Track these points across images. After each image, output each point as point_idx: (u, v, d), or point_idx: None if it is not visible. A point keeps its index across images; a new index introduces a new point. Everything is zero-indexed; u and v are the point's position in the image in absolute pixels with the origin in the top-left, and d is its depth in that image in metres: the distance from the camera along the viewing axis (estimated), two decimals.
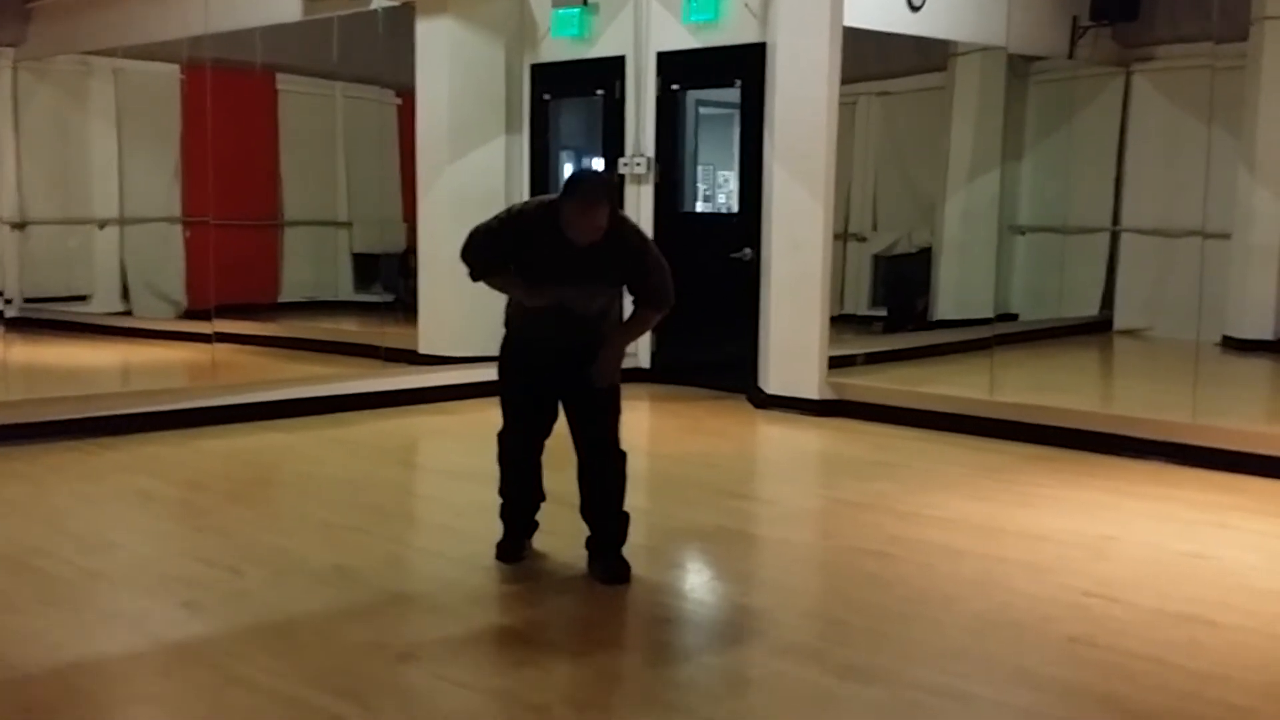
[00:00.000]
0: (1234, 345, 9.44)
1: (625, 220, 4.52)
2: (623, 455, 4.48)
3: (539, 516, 4.73)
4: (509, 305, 4.56)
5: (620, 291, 4.48)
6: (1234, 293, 9.49)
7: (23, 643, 3.79)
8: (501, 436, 4.62)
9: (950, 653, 3.79)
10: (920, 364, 9.16)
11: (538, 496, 4.70)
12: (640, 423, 7.67)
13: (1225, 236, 9.14)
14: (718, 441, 7.29)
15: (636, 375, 8.62)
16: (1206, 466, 6.27)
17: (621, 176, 8.97)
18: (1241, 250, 9.44)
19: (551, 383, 4.47)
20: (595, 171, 4.45)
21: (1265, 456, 6.16)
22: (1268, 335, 9.40)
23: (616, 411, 4.48)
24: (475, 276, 4.46)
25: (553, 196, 4.38)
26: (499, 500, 4.68)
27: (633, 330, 4.60)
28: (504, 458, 4.62)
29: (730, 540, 5.16)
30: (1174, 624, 4.06)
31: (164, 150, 10.69)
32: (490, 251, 4.39)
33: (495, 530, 4.64)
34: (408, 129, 9.33)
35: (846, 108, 8.22)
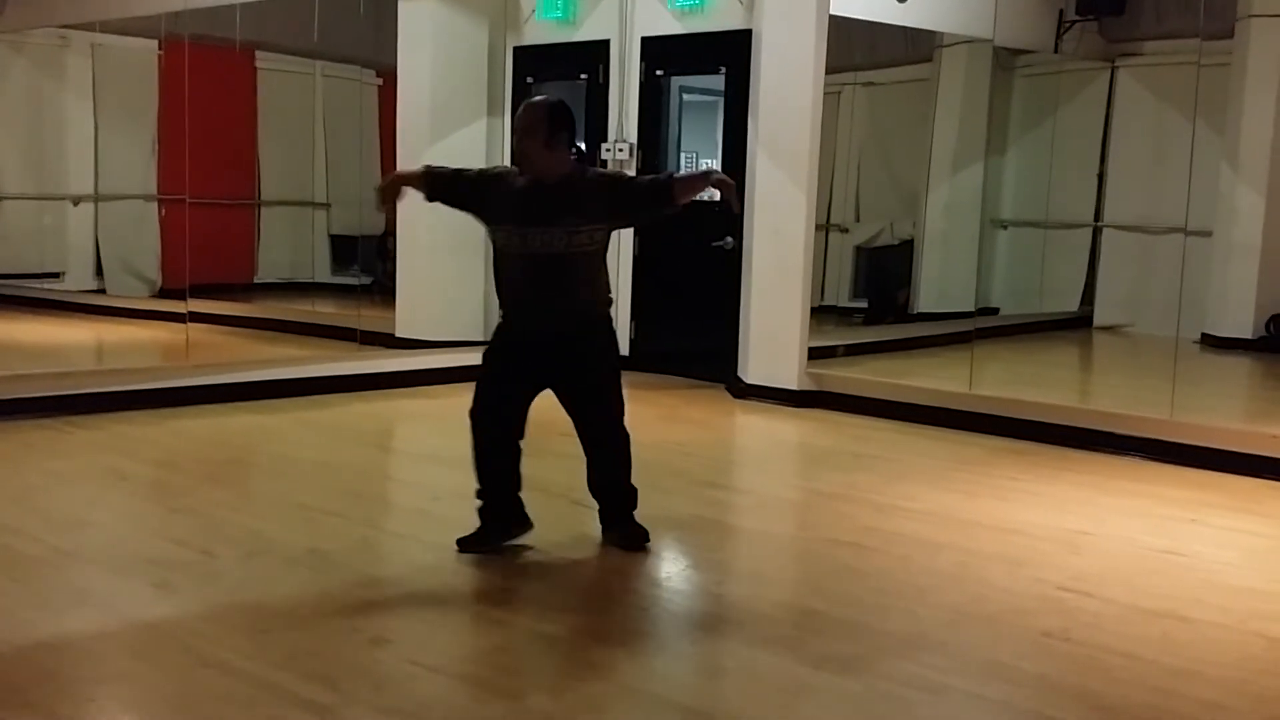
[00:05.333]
0: (1213, 343, 9.50)
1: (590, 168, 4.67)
2: (626, 436, 4.60)
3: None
4: (499, 292, 4.52)
5: (601, 241, 4.44)
6: (1214, 290, 9.55)
7: None
8: (472, 420, 4.54)
9: (925, 645, 3.78)
10: (900, 356, 9.17)
11: (513, 485, 4.59)
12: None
13: (1207, 234, 9.19)
14: (696, 431, 7.28)
15: None
16: (1183, 463, 6.30)
17: (593, 152, 8.90)
18: (1223, 248, 9.49)
19: (544, 372, 4.46)
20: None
21: (1242, 454, 6.18)
22: (1247, 334, 9.44)
23: (619, 395, 4.57)
24: (430, 189, 4.50)
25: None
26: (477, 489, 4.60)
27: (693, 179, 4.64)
28: (474, 445, 4.54)
29: (707, 530, 5.14)
30: (1148, 619, 4.06)
31: (140, 127, 10.59)
32: (454, 177, 4.52)
33: (471, 515, 4.60)
34: (388, 110, 9.27)
35: (831, 97, 8.20)
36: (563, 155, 4.41)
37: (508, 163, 9.18)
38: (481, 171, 4.69)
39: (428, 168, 4.57)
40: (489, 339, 4.66)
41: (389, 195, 4.50)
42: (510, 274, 4.44)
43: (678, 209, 4.51)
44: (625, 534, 4.63)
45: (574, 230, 4.34)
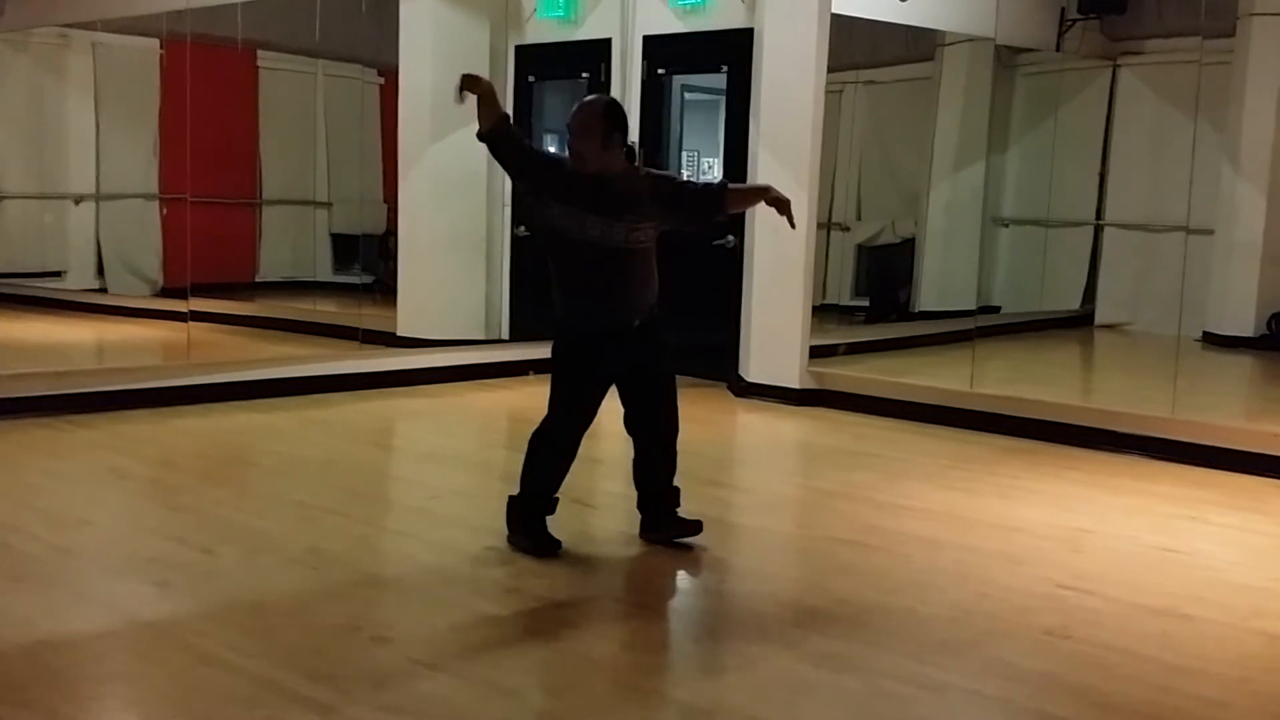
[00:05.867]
0: (1215, 341, 9.50)
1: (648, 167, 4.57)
2: (677, 433, 4.64)
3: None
4: (563, 289, 4.50)
5: (654, 239, 4.48)
6: (1216, 289, 9.54)
7: None
8: (553, 428, 4.51)
9: (926, 643, 3.78)
10: (902, 355, 9.17)
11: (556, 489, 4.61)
12: (620, 409, 7.63)
13: (1208, 232, 9.19)
14: (697, 429, 7.23)
15: None
16: (1184, 461, 6.30)
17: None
18: (1224, 246, 9.49)
19: (617, 365, 4.49)
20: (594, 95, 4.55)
21: (1243, 452, 6.18)
22: (1248, 332, 9.45)
23: (675, 393, 4.62)
24: (494, 125, 4.44)
25: None
26: (522, 494, 4.54)
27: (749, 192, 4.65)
28: (553, 448, 4.51)
29: (708, 528, 5.11)
30: (1148, 617, 4.06)
31: (142, 126, 10.59)
32: (518, 134, 4.50)
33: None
34: (389, 109, 9.27)
35: (833, 96, 8.20)
36: (617, 154, 4.40)
37: (505, 177, 9.20)
38: (543, 150, 4.61)
39: (505, 114, 4.49)
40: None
41: (470, 88, 4.38)
42: (571, 265, 4.43)
43: (726, 217, 4.52)
44: (677, 524, 4.65)
45: (633, 226, 4.37)
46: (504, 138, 4.44)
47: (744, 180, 8.16)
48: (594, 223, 4.33)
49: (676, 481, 4.68)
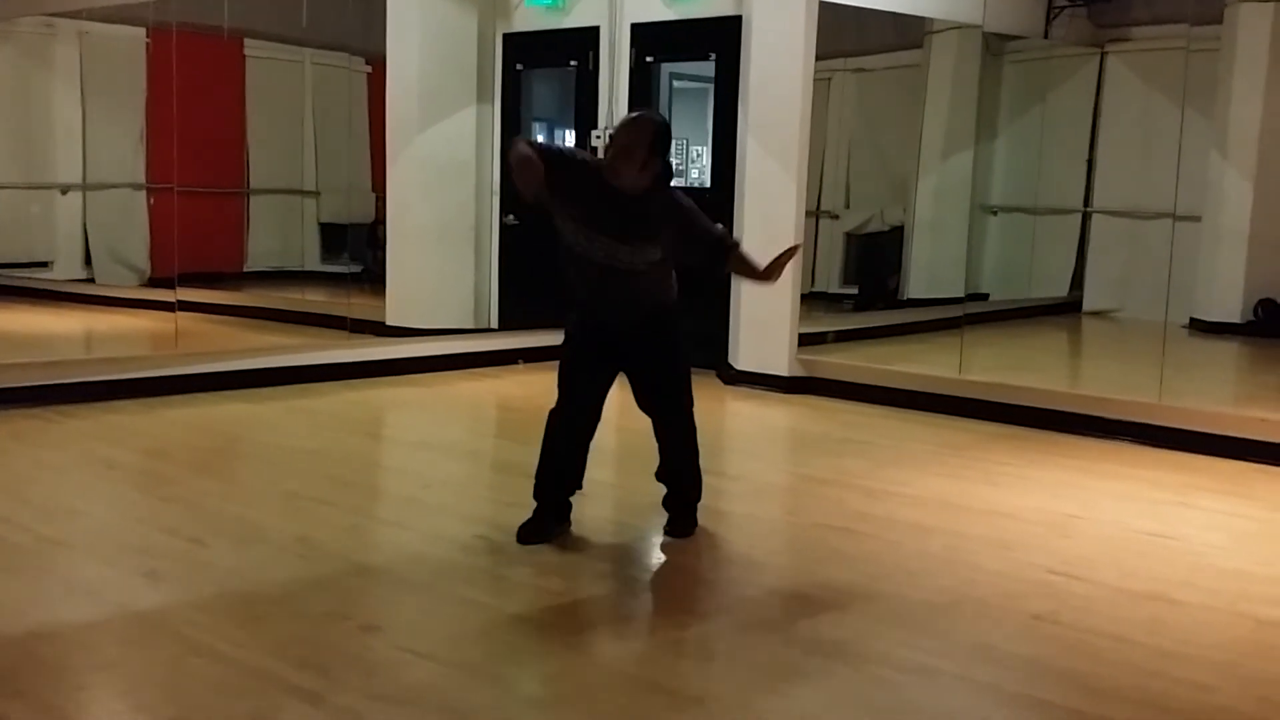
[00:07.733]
0: (1202, 327, 9.53)
1: (673, 190, 4.48)
2: (692, 427, 4.68)
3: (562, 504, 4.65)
4: (572, 288, 4.52)
5: (668, 259, 4.44)
6: (1203, 275, 9.57)
7: None
8: (552, 413, 4.57)
9: (915, 628, 3.80)
10: (890, 342, 9.19)
11: (574, 481, 4.63)
12: (609, 397, 7.63)
13: (1195, 219, 9.22)
14: None
15: None
16: (1172, 447, 6.33)
17: (594, 149, 8.92)
18: (1211, 233, 9.52)
19: (618, 353, 4.51)
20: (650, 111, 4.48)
21: (1230, 438, 6.21)
22: (1235, 318, 9.49)
23: (687, 388, 4.66)
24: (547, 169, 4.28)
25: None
26: (535, 479, 4.59)
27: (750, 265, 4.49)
28: (550, 435, 4.56)
29: (699, 516, 5.14)
30: (1137, 602, 4.08)
31: (129, 115, 10.54)
32: (549, 155, 4.32)
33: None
34: (377, 97, 9.25)
35: (821, 84, 8.19)
36: (649, 175, 4.33)
37: (494, 165, 9.18)
38: (564, 152, 4.50)
39: (533, 144, 4.32)
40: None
41: (531, 179, 4.16)
42: (577, 274, 4.45)
43: (722, 272, 4.55)
44: (675, 523, 4.71)
45: (637, 249, 4.36)
46: (549, 176, 4.21)
47: (733, 170, 8.18)
48: (601, 243, 4.32)
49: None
